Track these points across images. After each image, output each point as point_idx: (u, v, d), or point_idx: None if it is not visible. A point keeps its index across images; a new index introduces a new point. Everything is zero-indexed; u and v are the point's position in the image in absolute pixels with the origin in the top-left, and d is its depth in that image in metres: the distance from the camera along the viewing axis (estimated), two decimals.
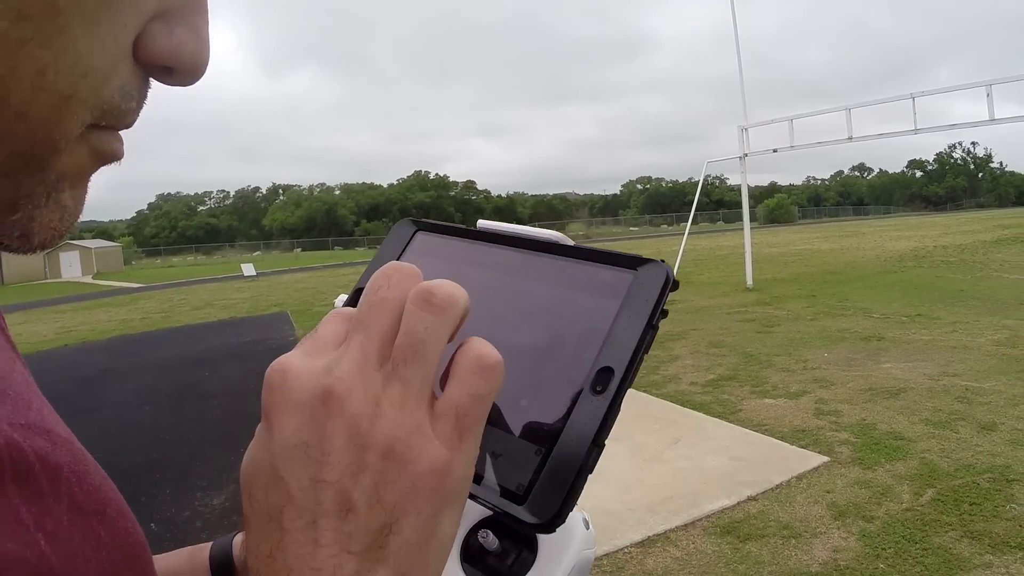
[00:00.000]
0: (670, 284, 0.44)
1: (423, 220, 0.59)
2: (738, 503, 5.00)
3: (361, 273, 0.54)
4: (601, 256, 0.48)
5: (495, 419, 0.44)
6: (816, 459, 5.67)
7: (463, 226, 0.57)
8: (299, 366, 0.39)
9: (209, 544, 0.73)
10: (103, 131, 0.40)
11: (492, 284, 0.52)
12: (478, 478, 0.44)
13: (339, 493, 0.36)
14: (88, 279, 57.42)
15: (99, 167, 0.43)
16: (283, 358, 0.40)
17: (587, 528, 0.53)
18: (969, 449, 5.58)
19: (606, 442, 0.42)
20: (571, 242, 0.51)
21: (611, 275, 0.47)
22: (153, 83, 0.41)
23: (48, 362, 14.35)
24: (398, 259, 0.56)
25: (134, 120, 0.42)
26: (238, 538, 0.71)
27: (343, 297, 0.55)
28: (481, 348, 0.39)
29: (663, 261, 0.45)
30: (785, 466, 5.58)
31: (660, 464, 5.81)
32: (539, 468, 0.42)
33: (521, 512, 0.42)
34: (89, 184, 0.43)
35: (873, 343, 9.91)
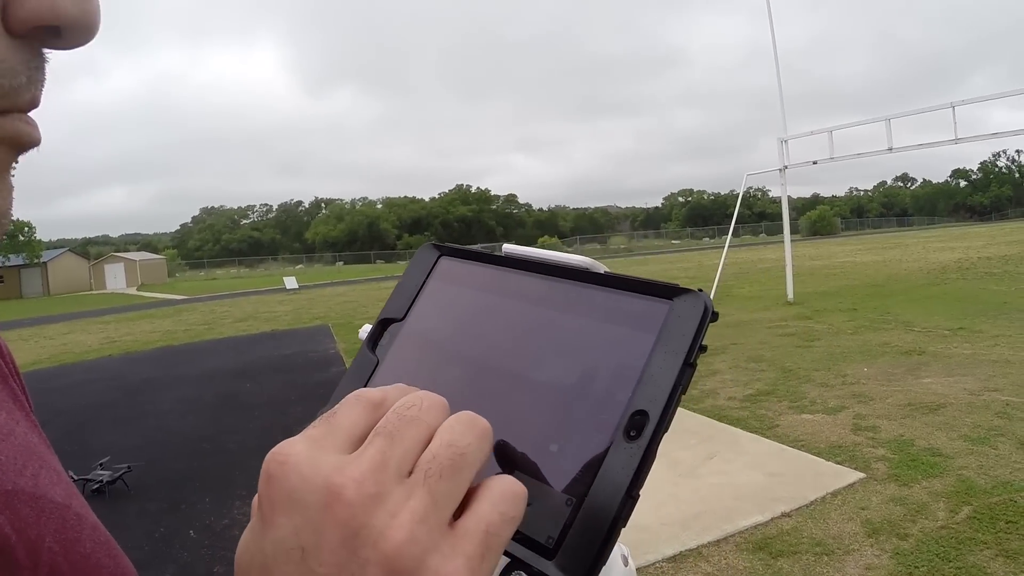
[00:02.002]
0: (709, 316, 0.41)
1: (446, 245, 0.56)
2: (771, 519, 4.99)
3: (388, 298, 0.54)
4: (634, 284, 0.44)
5: (524, 464, 0.42)
6: (852, 475, 5.64)
7: (487, 252, 0.54)
8: (304, 457, 0.34)
9: None
10: (4, 115, 0.37)
11: (518, 314, 0.49)
12: None
13: None
14: (132, 291, 58.44)
15: (14, 155, 0.40)
16: (287, 444, 0.35)
17: (626, 565, 0.50)
18: (1007, 466, 5.51)
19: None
20: (603, 268, 0.47)
21: (645, 306, 0.43)
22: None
23: (92, 371, 14.70)
24: (422, 286, 0.55)
25: (34, 97, 0.38)
26: None
27: (368, 327, 0.54)
28: (510, 479, 0.37)
29: (701, 290, 0.41)
30: (820, 482, 5.55)
31: (695, 479, 5.82)
32: (570, 520, 0.39)
33: (550, 568, 0.38)
34: (13, 176, 0.40)
35: (914, 357, 9.80)
